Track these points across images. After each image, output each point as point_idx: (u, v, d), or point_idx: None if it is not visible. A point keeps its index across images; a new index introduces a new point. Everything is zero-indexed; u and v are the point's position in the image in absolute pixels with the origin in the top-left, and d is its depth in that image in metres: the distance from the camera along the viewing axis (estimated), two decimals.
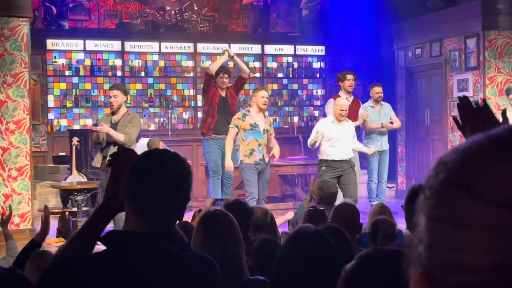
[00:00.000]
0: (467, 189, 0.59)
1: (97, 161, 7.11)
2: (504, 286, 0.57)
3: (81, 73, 11.38)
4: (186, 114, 11.95)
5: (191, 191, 1.83)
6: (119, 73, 11.56)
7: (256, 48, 12.29)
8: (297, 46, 12.51)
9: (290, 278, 2.16)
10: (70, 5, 11.64)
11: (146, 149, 7.73)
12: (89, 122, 11.24)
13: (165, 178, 1.74)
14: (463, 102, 1.82)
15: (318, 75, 12.69)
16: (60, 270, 1.72)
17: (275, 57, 12.47)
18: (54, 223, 7.54)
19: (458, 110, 1.84)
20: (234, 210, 3.18)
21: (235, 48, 12.13)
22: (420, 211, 0.64)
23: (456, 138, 9.97)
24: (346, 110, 7.56)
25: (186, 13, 11.76)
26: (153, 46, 11.66)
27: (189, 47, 11.87)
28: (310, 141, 7.65)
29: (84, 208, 7.40)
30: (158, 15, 11.67)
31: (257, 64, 12.33)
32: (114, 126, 7.07)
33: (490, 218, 0.57)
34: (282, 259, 2.24)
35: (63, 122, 11.25)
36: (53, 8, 11.21)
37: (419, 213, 0.64)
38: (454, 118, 1.87)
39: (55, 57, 11.22)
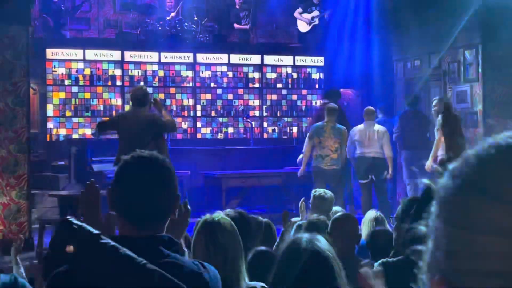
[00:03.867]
0: (484, 194, 0.58)
1: None
2: None
3: (81, 83, 11.38)
4: (185, 124, 11.95)
5: (177, 189, 1.84)
6: (118, 83, 11.58)
7: (255, 59, 12.31)
8: (297, 57, 12.53)
9: (287, 282, 2.17)
10: (70, 10, 11.66)
11: None
12: (88, 131, 11.24)
13: (147, 185, 1.76)
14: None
15: (317, 86, 12.71)
16: (57, 281, 1.73)
17: (274, 67, 12.49)
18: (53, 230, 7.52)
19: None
20: (235, 221, 3.19)
21: (235, 59, 12.16)
22: (436, 216, 0.63)
23: None
24: None
25: (185, 24, 11.79)
26: (152, 56, 11.68)
27: (188, 57, 11.89)
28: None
29: (82, 218, 7.38)
30: (158, 25, 11.70)
31: (257, 75, 12.35)
32: None
33: (509, 222, 0.57)
34: (278, 271, 2.25)
35: (62, 131, 11.24)
36: (49, 19, 11.21)
37: (435, 219, 0.63)
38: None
39: (54, 66, 11.23)
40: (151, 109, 7.17)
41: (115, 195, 1.78)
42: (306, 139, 8.99)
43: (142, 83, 11.68)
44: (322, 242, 2.36)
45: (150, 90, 11.65)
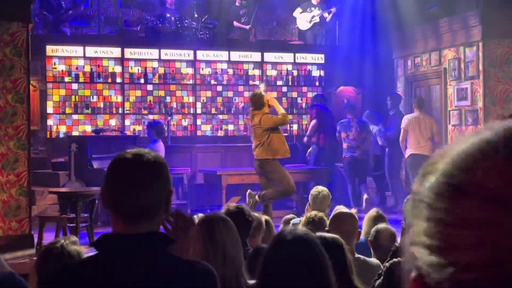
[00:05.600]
0: (455, 188, 0.60)
1: None
2: (497, 281, 0.57)
3: (81, 80, 11.37)
4: (185, 121, 11.94)
5: (171, 183, 1.84)
6: (118, 80, 11.57)
7: (255, 56, 12.30)
8: (297, 54, 12.52)
9: (275, 280, 2.16)
10: (70, 12, 11.66)
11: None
12: (88, 128, 11.23)
13: (139, 181, 1.75)
14: None
15: (317, 83, 12.70)
16: (55, 280, 1.73)
17: (274, 65, 12.48)
18: (53, 227, 7.52)
19: None
20: (234, 218, 3.18)
21: (235, 56, 12.15)
22: (412, 214, 0.65)
23: None
24: None
25: (186, 21, 11.78)
26: (152, 53, 11.67)
27: (188, 54, 11.88)
28: None
29: (82, 215, 7.38)
30: (158, 22, 11.69)
31: (257, 72, 12.34)
32: None
33: (479, 214, 0.58)
34: (265, 263, 2.25)
35: (62, 129, 11.24)
36: (48, 15, 11.19)
37: (411, 216, 0.65)
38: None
39: (54, 63, 11.23)
40: (270, 108, 8.24)
41: (107, 192, 1.77)
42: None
43: (142, 80, 11.69)
44: (308, 233, 2.35)
45: (150, 87, 11.71)
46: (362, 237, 4.38)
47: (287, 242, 2.23)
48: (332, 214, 4.34)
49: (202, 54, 11.94)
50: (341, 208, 4.95)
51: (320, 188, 5.72)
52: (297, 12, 12.37)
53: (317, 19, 12.23)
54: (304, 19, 12.32)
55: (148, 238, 1.72)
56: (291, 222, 5.30)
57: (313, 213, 4.54)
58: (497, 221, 0.57)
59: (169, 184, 1.81)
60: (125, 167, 1.78)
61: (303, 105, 12.63)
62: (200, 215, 2.99)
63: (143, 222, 1.74)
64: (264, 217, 4.58)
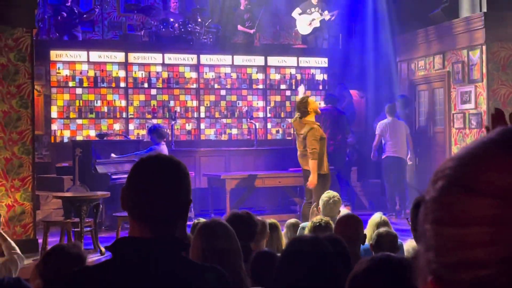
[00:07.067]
0: (465, 188, 0.62)
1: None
2: None
3: (85, 84, 11.40)
4: (189, 125, 11.95)
5: (190, 192, 1.84)
6: (122, 84, 11.59)
7: (259, 60, 12.30)
8: (300, 58, 12.52)
9: (289, 282, 2.17)
10: (84, 15, 11.70)
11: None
12: (92, 133, 11.25)
13: (160, 185, 1.75)
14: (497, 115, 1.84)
15: (321, 87, 12.70)
16: (70, 284, 1.74)
17: (278, 69, 12.49)
18: (57, 232, 7.55)
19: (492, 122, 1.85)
20: (239, 222, 3.18)
21: (238, 60, 12.16)
22: (424, 220, 0.66)
23: None
24: None
25: (189, 25, 11.80)
26: (156, 57, 11.68)
27: (192, 59, 11.90)
28: None
29: (86, 219, 7.39)
30: (161, 27, 11.71)
31: (260, 76, 12.35)
32: None
33: (490, 211, 0.59)
34: (280, 264, 2.25)
35: (66, 133, 11.26)
36: (60, 16, 11.23)
37: (423, 223, 0.66)
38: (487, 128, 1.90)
39: (59, 68, 11.25)
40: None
41: (126, 195, 1.77)
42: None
43: (146, 84, 11.70)
44: (324, 242, 2.36)
45: (153, 91, 11.73)
46: (366, 241, 4.38)
47: (305, 240, 2.26)
48: (338, 217, 4.34)
49: (205, 58, 11.95)
50: (346, 212, 4.97)
51: (331, 193, 5.73)
52: (296, 13, 12.29)
53: (317, 23, 12.20)
54: (303, 22, 12.28)
55: (163, 242, 1.72)
56: (300, 225, 5.31)
57: (319, 217, 4.54)
58: (508, 218, 0.59)
59: (188, 193, 1.81)
60: (146, 171, 1.78)
61: None
62: (202, 219, 2.98)
63: (159, 227, 1.74)
64: (271, 221, 4.58)
